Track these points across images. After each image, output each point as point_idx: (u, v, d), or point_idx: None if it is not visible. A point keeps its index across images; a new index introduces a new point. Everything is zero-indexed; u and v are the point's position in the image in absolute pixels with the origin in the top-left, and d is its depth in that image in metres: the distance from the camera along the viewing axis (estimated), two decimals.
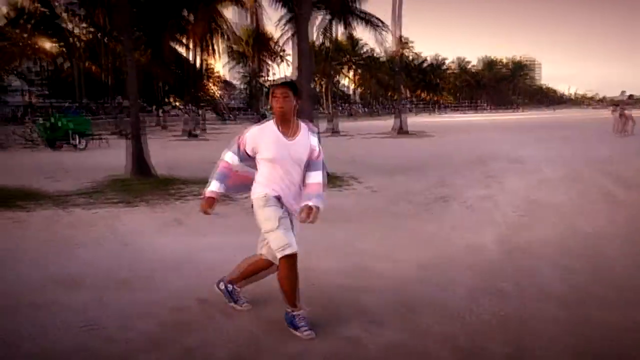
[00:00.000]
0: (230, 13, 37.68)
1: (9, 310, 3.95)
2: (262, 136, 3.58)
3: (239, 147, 3.65)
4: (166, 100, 72.44)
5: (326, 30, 35.30)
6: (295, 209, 3.64)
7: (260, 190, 3.61)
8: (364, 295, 4.25)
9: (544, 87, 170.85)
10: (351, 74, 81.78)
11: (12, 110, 50.84)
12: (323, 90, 77.66)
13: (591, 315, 3.79)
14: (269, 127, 3.60)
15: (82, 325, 3.71)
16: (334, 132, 33.24)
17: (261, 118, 31.90)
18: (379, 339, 3.44)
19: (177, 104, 75.70)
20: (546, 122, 47.30)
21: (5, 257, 5.51)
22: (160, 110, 48.46)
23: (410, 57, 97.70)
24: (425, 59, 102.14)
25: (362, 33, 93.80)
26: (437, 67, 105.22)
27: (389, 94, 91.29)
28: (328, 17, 34.29)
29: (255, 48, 32.27)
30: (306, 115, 12.53)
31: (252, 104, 62.26)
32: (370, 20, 34.38)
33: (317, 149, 3.68)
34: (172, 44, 38.57)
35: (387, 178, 11.58)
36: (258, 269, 3.91)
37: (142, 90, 54.42)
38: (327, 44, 38.08)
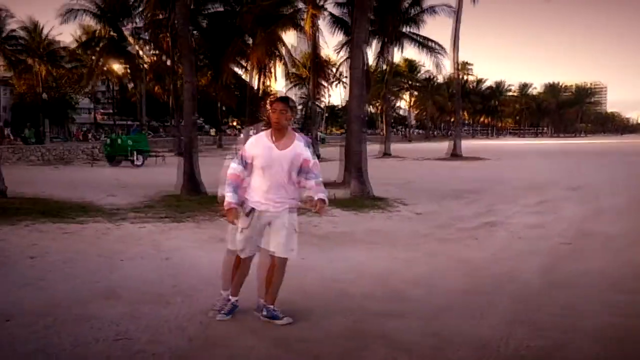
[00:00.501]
0: (290, 37, 38.58)
1: (57, 323, 4.09)
2: (257, 145, 4.00)
3: (242, 157, 4.05)
4: (227, 121, 74.39)
5: (381, 54, 35.33)
6: (279, 210, 4.02)
7: (249, 198, 4.06)
8: (395, 321, 4.18)
9: (609, 113, 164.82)
10: (407, 96, 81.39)
11: (84, 131, 53.59)
12: (378, 112, 77.57)
13: (630, 355, 3.58)
14: (263, 138, 4.01)
15: (115, 338, 3.81)
16: (385, 154, 33.12)
17: (315, 140, 32.18)
18: None
19: (235, 124, 77.65)
20: (611, 149, 45.46)
21: (60, 269, 5.75)
22: (216, 131, 49.80)
23: (474, 82, 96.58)
24: (485, 83, 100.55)
25: (420, 56, 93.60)
26: (498, 91, 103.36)
27: (447, 118, 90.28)
28: (383, 41, 34.34)
29: (313, 71, 32.64)
30: (356, 138, 12.59)
31: (307, 125, 63.05)
32: (427, 45, 34.26)
33: (311, 159, 4.01)
34: (233, 67, 39.62)
35: (434, 202, 11.41)
36: (272, 268, 4.13)
37: (203, 111, 56.05)
38: (384, 67, 38.11)
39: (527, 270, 5.76)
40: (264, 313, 4.11)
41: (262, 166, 3.96)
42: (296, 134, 4.06)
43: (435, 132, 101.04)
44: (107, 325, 4.05)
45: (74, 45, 46.34)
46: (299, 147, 3.98)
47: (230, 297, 4.21)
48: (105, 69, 40.28)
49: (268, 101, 4.13)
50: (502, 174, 19.86)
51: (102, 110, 76.05)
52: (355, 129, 12.60)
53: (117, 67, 39.71)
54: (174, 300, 4.67)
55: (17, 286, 5.09)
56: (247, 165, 4.04)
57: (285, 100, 4.06)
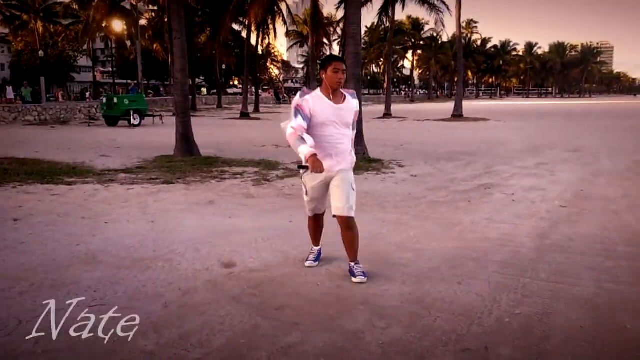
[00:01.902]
0: None
1: (33, 288, 4.00)
2: (316, 103, 4.06)
3: (303, 112, 4.00)
4: (230, 82, 73.42)
5: (383, 11, 34.49)
6: (338, 168, 4.17)
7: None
8: (378, 287, 4.08)
9: (616, 73, 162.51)
10: (411, 55, 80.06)
11: (83, 90, 52.78)
12: (381, 72, 76.54)
13: (621, 324, 3.46)
14: (319, 96, 4.09)
15: (90, 305, 3.72)
16: (386, 114, 32.76)
17: None
18: (382, 335, 3.26)
19: (237, 84, 76.84)
20: (614, 110, 44.91)
21: (42, 232, 5.65)
22: (217, 90, 49.17)
23: (479, 41, 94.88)
24: (490, 42, 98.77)
25: (423, 14, 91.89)
26: (503, 50, 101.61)
27: (450, 77, 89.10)
28: None
29: (312, 29, 31.96)
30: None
31: (307, 84, 62.39)
32: (429, 1, 33.38)
33: (358, 110, 4.31)
34: (231, 24, 38.79)
35: (431, 164, 11.25)
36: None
37: (202, 70, 55.12)
38: (387, 24, 37.24)
39: (520, 234, 5.63)
40: (351, 269, 4.32)
41: (323, 122, 4.06)
42: (343, 90, 4.18)
43: (438, 92, 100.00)
44: (84, 291, 3.96)
45: (69, 1, 45.39)
46: (350, 100, 4.17)
47: (314, 247, 4.67)
48: (103, 25, 39.45)
49: (320, 62, 4.10)
50: (502, 135, 19.61)
51: (101, 69, 75.19)
52: (351, 88, 12.28)
53: (115, 23, 38.83)
54: (155, 265, 4.57)
55: None
56: (310, 122, 4.05)
57: (343, 60, 4.25)
